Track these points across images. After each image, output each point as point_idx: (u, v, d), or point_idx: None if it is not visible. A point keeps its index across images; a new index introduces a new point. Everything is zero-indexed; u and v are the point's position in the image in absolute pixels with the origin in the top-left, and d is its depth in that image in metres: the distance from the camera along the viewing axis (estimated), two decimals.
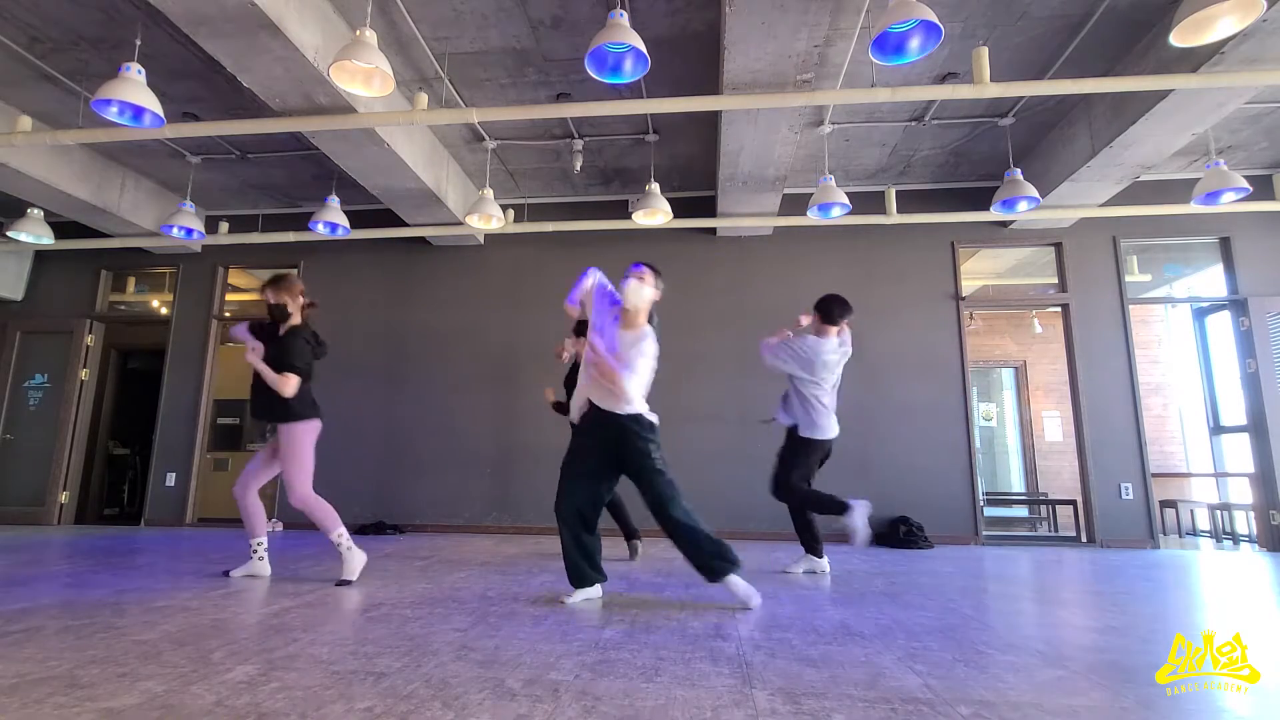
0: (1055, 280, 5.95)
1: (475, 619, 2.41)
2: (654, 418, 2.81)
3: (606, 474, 2.87)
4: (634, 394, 2.70)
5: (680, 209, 5.71)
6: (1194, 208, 4.83)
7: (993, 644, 2.15)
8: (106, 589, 2.93)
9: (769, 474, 3.76)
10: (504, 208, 5.51)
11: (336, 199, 5.62)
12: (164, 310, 6.95)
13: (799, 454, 3.69)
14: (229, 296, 6.96)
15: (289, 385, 3.20)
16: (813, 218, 5.03)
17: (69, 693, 1.55)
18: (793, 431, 3.73)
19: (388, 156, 4.80)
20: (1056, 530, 7.18)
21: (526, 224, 5.94)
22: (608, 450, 2.82)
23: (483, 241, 6.49)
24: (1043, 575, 3.87)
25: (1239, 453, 6.18)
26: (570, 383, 4.06)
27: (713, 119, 4.83)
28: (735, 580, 2.68)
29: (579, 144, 5.35)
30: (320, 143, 4.67)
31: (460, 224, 5.98)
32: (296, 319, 3.37)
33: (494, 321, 6.28)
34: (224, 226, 6.37)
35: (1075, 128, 4.97)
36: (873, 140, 5.38)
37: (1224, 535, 6.42)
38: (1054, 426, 8.12)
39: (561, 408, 3.97)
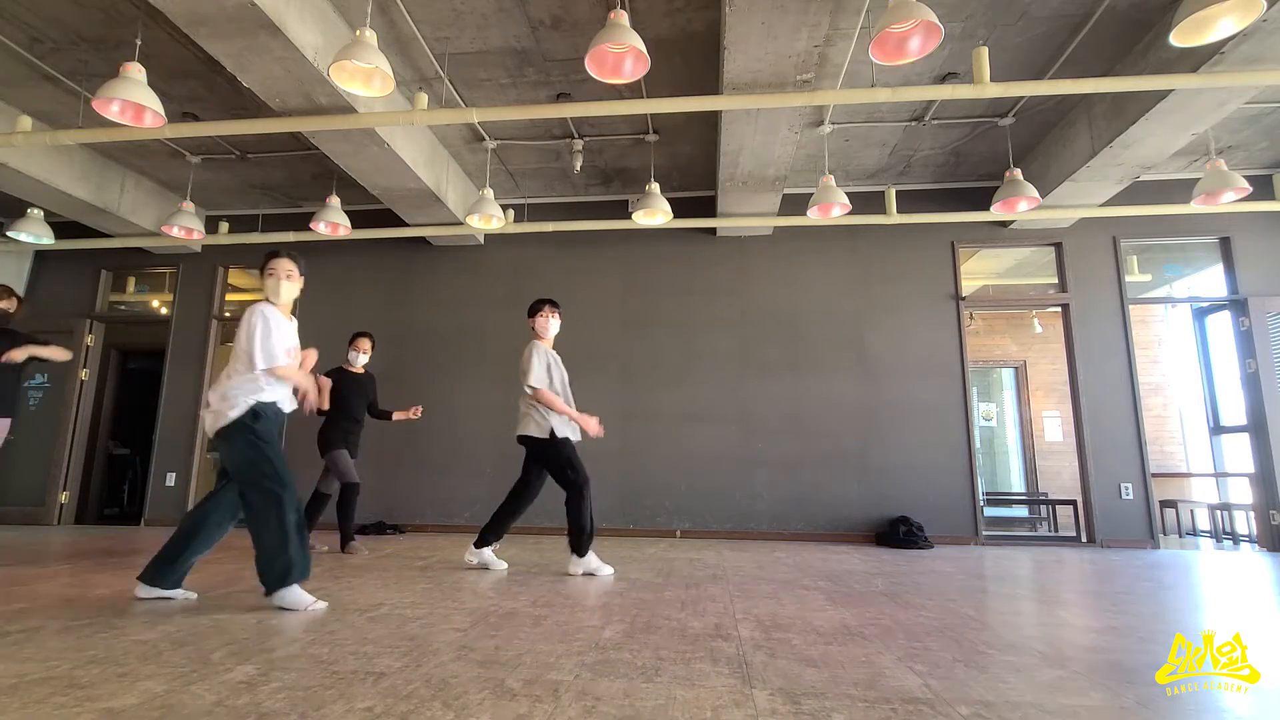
0: (1055, 280, 5.94)
1: (475, 619, 2.41)
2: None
3: None
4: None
5: (680, 209, 5.72)
6: (1194, 208, 4.83)
7: (993, 644, 2.15)
8: (106, 589, 2.93)
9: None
10: (504, 208, 5.51)
11: (336, 199, 5.62)
12: (164, 310, 6.95)
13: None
14: (229, 296, 6.95)
15: None
16: (813, 218, 5.02)
17: (69, 693, 1.55)
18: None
19: (388, 156, 4.81)
20: (1056, 530, 7.18)
21: (526, 224, 5.94)
22: None
23: (483, 241, 6.49)
24: (1043, 575, 3.87)
25: (1239, 453, 6.18)
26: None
27: (713, 119, 4.83)
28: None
29: (579, 144, 5.35)
30: (320, 143, 4.67)
31: (460, 224, 5.98)
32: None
33: (494, 321, 6.27)
34: (224, 226, 6.38)
35: (1075, 128, 4.97)
36: (873, 140, 5.38)
37: (1224, 535, 6.42)
38: (1054, 426, 8.12)
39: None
